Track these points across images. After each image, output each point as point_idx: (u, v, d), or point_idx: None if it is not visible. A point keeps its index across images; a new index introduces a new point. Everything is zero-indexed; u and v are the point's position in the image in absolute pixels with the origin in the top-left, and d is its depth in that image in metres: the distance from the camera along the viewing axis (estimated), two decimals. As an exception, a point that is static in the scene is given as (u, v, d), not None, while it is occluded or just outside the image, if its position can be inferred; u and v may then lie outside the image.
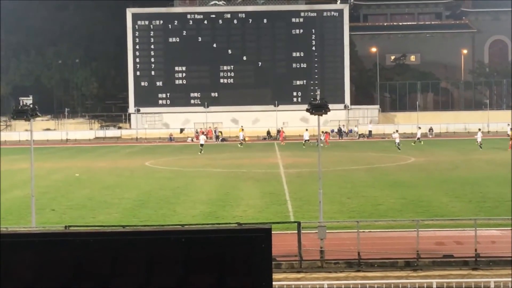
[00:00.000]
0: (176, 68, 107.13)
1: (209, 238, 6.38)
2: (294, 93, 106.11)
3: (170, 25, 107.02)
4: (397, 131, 79.97)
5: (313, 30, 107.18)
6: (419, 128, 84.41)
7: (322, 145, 70.43)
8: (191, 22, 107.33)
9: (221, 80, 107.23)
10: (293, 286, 21.56)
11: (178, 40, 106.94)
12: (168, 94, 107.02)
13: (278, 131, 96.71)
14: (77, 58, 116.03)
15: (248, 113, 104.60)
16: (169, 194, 41.31)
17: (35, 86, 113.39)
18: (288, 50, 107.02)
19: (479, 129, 77.61)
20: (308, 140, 79.48)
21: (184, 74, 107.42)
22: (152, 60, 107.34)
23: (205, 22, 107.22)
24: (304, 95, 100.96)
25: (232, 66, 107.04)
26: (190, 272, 6.19)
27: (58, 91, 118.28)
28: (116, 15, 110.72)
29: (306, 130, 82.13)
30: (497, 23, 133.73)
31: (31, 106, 29.24)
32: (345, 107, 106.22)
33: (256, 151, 75.36)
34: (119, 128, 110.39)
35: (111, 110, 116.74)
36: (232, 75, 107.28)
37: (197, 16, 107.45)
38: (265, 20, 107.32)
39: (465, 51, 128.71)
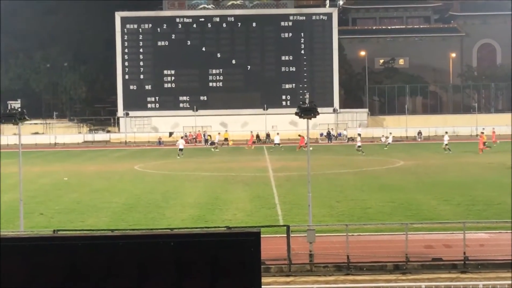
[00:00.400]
0: (165, 72, 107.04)
1: (198, 242, 6.38)
2: (283, 97, 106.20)
3: (159, 29, 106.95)
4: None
5: (302, 33, 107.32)
6: (446, 132, 79.34)
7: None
8: (180, 26, 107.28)
9: (210, 84, 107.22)
10: (282, 290, 21.55)
11: (167, 44, 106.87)
12: (157, 97, 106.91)
13: (267, 135, 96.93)
14: (66, 62, 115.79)
15: (237, 117, 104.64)
16: (158, 198, 41.26)
17: (23, 89, 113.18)
18: (277, 54, 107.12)
19: (446, 132, 78.43)
20: (279, 144, 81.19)
21: (173, 78, 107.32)
22: (141, 63, 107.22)
23: (194, 25, 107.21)
24: (293, 99, 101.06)
25: (221, 70, 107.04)
26: (180, 276, 6.18)
27: (46, 95, 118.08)
28: (105, 19, 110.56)
29: (278, 134, 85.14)
30: (485, 27, 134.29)
31: (19, 109, 29.14)
32: (334, 110, 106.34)
33: (245, 154, 75.37)
34: (108, 132, 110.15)
35: (100, 114, 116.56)
36: (221, 78, 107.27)
37: (186, 20, 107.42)
38: (254, 24, 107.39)
39: (453, 55, 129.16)
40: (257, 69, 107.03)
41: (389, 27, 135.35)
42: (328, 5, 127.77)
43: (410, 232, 26.49)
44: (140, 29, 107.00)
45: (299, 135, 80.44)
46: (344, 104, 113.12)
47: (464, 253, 25.18)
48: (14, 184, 37.85)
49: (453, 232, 28.67)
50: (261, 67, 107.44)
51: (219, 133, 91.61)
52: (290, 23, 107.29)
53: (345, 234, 26.09)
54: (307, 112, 28.61)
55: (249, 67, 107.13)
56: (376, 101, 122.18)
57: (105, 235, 6.21)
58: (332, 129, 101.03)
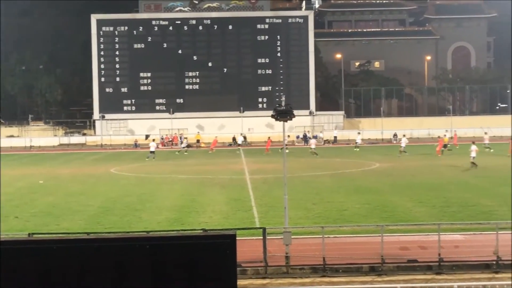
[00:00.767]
0: (141, 74, 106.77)
1: (174, 244, 6.40)
2: (260, 99, 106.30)
3: (135, 31, 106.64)
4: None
5: (278, 36, 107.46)
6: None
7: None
8: (156, 28, 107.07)
9: (187, 86, 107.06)
10: (258, 292, 21.59)
11: (143, 46, 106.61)
12: (133, 100, 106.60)
13: (244, 138, 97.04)
14: (41, 65, 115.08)
15: (213, 119, 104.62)
16: (134, 201, 41.14)
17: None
18: (253, 56, 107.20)
19: (404, 135, 79.25)
20: (238, 144, 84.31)
21: (149, 80, 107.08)
22: (117, 66, 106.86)
23: (170, 28, 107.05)
24: (270, 101, 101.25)
25: (197, 72, 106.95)
26: (157, 278, 6.20)
27: (22, 98, 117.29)
28: (81, 21, 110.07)
29: (241, 135, 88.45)
30: (460, 30, 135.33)
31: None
32: (310, 113, 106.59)
33: (221, 157, 75.35)
34: (84, 134, 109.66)
35: (76, 117, 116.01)
36: (198, 81, 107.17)
37: (162, 22, 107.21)
38: (230, 27, 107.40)
39: (428, 58, 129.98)
40: (233, 72, 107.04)
41: (365, 30, 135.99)
42: (304, 8, 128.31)
43: (386, 234, 26.62)
44: (116, 32, 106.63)
45: (269, 138, 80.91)
46: (320, 107, 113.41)
47: (439, 254, 25.34)
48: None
49: (428, 233, 28.83)
50: (237, 69, 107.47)
51: (183, 137, 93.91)
52: (266, 26, 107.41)
53: (321, 236, 26.16)
54: (283, 115, 28.66)
55: (225, 69, 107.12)
56: (352, 104, 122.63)
57: (81, 238, 6.23)
58: (308, 131, 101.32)
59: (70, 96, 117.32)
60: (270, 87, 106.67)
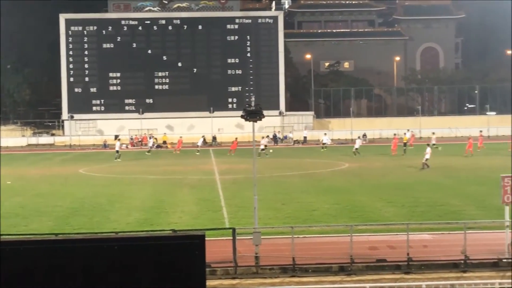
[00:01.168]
0: (111, 74, 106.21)
1: (142, 245, 6.38)
2: (230, 100, 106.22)
3: (104, 31, 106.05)
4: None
5: (248, 36, 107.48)
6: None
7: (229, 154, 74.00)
8: (125, 28, 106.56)
9: (156, 87, 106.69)
10: (228, 293, 21.58)
11: (112, 46, 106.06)
12: (102, 100, 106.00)
13: (214, 138, 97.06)
14: (9, 64, 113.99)
15: (183, 120, 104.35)
16: (103, 202, 40.95)
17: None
18: (223, 57, 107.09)
19: (358, 137, 79.91)
20: (198, 146, 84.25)
21: (118, 81, 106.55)
22: (86, 66, 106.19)
23: (140, 28, 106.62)
24: (240, 102, 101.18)
25: (167, 73, 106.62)
26: (124, 279, 6.17)
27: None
28: (49, 21, 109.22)
29: (202, 136, 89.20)
30: (428, 31, 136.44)
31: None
32: (280, 113, 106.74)
33: (191, 157, 75.20)
34: (52, 135, 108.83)
35: (44, 117, 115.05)
36: (167, 81, 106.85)
37: (131, 22, 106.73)
38: (200, 27, 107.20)
39: (397, 58, 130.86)
40: (203, 72, 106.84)
41: (334, 31, 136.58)
42: (274, 8, 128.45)
43: (355, 234, 26.76)
44: (85, 31, 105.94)
45: (236, 139, 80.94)
46: (290, 107, 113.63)
47: (408, 254, 25.53)
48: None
49: (397, 233, 29.04)
50: (207, 70, 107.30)
51: (152, 137, 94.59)
52: (236, 26, 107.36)
53: (290, 236, 26.23)
54: (252, 115, 28.68)
55: (195, 70, 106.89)
56: (321, 104, 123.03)
57: (49, 239, 6.19)
58: (278, 131, 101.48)
59: (39, 96, 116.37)
60: (240, 87, 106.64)
